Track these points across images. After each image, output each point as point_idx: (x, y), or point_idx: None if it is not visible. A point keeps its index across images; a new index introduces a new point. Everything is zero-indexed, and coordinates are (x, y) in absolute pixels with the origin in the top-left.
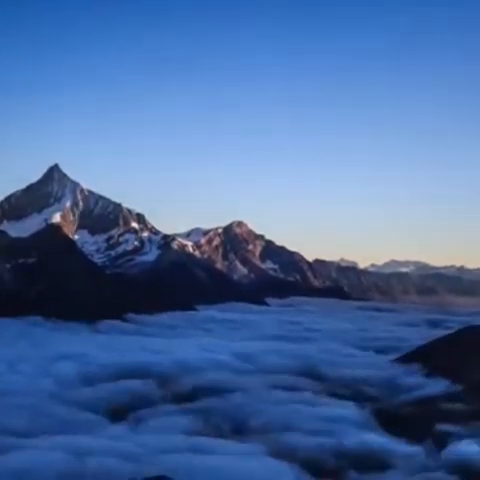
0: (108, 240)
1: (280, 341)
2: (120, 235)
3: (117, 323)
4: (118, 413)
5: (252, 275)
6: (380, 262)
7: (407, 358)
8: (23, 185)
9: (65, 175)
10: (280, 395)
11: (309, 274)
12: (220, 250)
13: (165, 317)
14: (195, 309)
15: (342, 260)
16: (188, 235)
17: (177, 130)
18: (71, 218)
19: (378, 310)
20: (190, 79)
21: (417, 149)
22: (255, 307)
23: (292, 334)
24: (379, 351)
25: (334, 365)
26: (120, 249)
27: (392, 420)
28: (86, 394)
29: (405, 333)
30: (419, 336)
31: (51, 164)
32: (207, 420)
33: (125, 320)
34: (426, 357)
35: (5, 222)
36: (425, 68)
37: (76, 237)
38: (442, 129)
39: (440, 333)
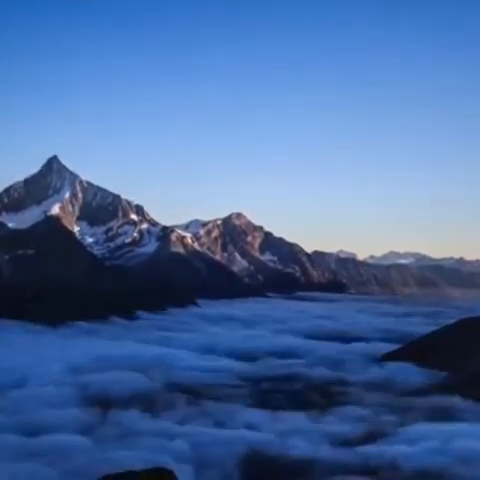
0: (107, 232)
1: (279, 334)
2: (119, 227)
3: (117, 319)
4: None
5: (251, 267)
6: (379, 253)
7: (406, 350)
8: (22, 177)
9: (64, 167)
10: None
11: (308, 265)
12: (219, 242)
13: (166, 312)
14: (195, 303)
15: (341, 252)
16: (187, 227)
17: (176, 122)
18: (70, 210)
19: (379, 302)
20: (189, 70)
21: (417, 143)
22: (256, 300)
23: (290, 328)
24: (375, 344)
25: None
26: (119, 241)
27: None
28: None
29: (404, 325)
30: (418, 328)
31: (50, 156)
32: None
33: (125, 316)
34: (425, 348)
35: (4, 214)
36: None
37: (75, 229)
38: (442, 123)
39: (439, 325)
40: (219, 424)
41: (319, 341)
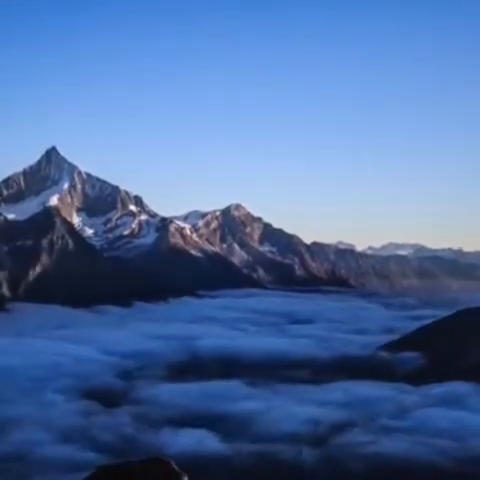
0: (106, 223)
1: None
2: (118, 218)
3: (117, 309)
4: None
5: (250, 258)
6: (378, 244)
7: (403, 342)
8: (20, 168)
9: (63, 158)
10: None
11: (307, 257)
12: (218, 233)
13: (165, 303)
14: (194, 295)
15: (340, 243)
16: (186, 218)
17: (175, 114)
18: (69, 201)
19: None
20: (187, 58)
21: (416, 135)
22: (257, 292)
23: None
24: (373, 335)
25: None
26: (118, 232)
27: None
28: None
29: (403, 317)
30: (417, 320)
31: (48, 147)
32: None
33: (125, 306)
34: (424, 340)
35: (2, 205)
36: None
37: (74, 220)
38: (443, 116)
39: (437, 316)
40: None
41: None
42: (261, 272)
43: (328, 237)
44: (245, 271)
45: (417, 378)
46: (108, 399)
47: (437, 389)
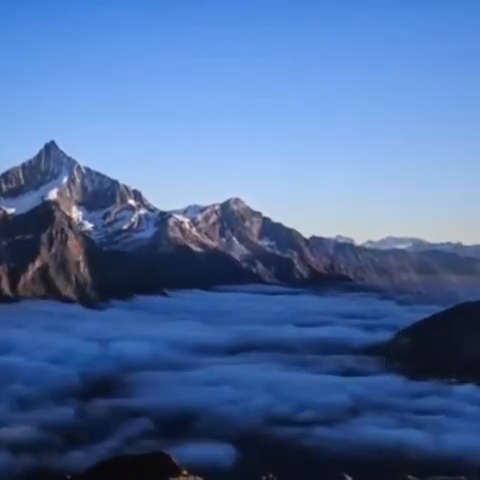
0: (105, 217)
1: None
2: (117, 212)
3: (117, 302)
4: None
5: (249, 252)
6: (377, 239)
7: (404, 335)
8: (19, 162)
9: (61, 152)
10: None
11: (306, 251)
12: (217, 227)
13: (164, 297)
14: (193, 289)
15: (339, 237)
16: (185, 212)
17: (174, 108)
18: (68, 195)
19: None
20: (187, 51)
21: (416, 134)
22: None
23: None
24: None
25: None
26: (117, 226)
27: None
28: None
29: (403, 311)
30: (416, 313)
31: (47, 141)
32: None
33: (125, 300)
34: (422, 334)
35: (2, 199)
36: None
37: (73, 214)
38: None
39: (436, 310)
40: None
41: None
42: (260, 266)
43: (327, 231)
44: (244, 265)
45: (416, 373)
46: (108, 394)
47: (431, 385)
